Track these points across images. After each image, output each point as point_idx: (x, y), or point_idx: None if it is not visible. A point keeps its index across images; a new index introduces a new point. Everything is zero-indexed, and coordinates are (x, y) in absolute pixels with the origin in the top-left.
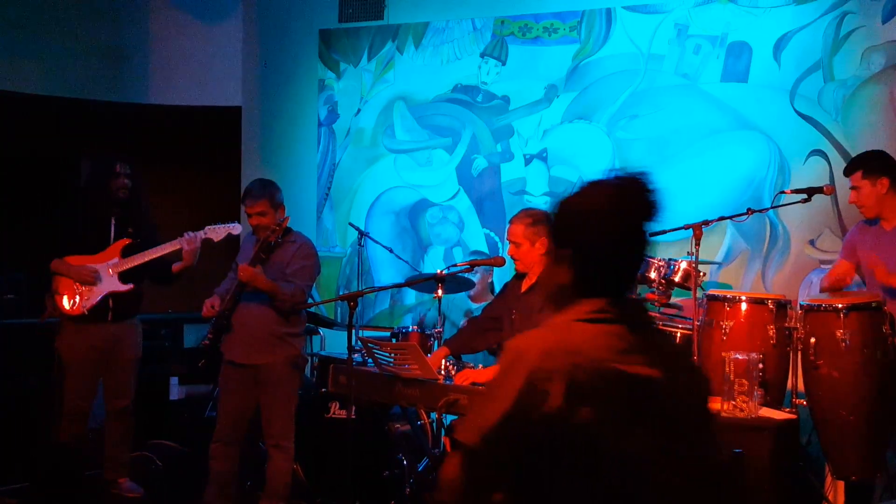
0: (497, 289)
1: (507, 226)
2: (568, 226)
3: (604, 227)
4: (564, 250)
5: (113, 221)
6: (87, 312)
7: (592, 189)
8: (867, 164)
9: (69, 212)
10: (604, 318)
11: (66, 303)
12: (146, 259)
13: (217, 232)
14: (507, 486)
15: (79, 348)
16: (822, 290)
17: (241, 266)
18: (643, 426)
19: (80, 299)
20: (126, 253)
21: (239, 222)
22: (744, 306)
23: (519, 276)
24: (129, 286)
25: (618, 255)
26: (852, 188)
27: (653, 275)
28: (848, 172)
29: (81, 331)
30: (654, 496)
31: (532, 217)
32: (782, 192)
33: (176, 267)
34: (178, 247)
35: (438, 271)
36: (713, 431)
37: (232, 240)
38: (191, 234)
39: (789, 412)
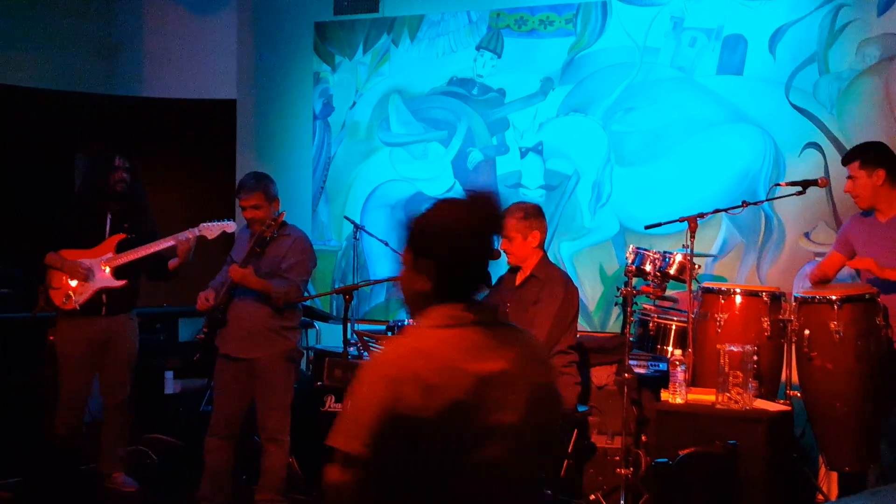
0: (492, 281)
1: None
2: (427, 239)
3: (460, 240)
4: (423, 261)
5: (109, 216)
6: (78, 308)
7: (448, 205)
8: (865, 155)
9: (65, 205)
10: (457, 322)
11: (58, 297)
12: (140, 255)
13: (211, 229)
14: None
15: (74, 342)
16: (810, 282)
17: (232, 267)
18: (494, 413)
19: (73, 294)
20: (121, 248)
21: (234, 217)
22: (738, 299)
23: (513, 270)
24: (123, 282)
25: (472, 264)
26: (849, 178)
27: (648, 268)
28: (846, 162)
29: (75, 325)
30: (502, 469)
31: (524, 210)
32: (777, 185)
33: (172, 264)
34: (171, 243)
35: None
36: (558, 407)
37: (227, 235)
38: (185, 233)
39: (783, 404)
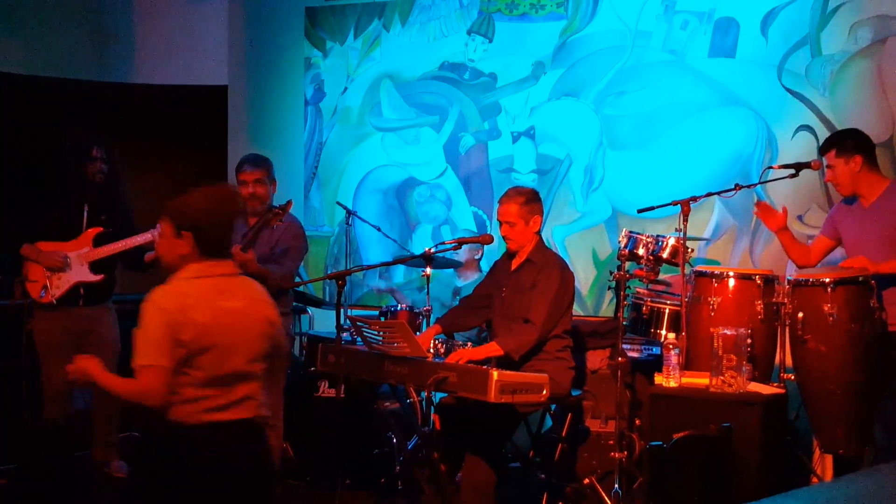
0: (485, 266)
1: (497, 206)
2: (187, 215)
3: (211, 216)
4: (184, 232)
5: (86, 208)
6: (55, 302)
7: (201, 192)
8: (840, 144)
9: (43, 196)
10: (209, 274)
11: (35, 290)
12: (117, 250)
13: None
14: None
15: (52, 331)
16: (796, 265)
17: (235, 250)
18: (235, 334)
19: (50, 287)
20: (98, 242)
21: None
22: (731, 282)
23: (510, 255)
24: (100, 276)
25: (219, 233)
26: (827, 167)
27: (641, 251)
28: (823, 151)
29: (54, 316)
30: (241, 373)
31: (525, 196)
32: (770, 168)
33: (148, 256)
34: (149, 239)
35: (427, 249)
36: (281, 337)
37: None
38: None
39: (777, 387)
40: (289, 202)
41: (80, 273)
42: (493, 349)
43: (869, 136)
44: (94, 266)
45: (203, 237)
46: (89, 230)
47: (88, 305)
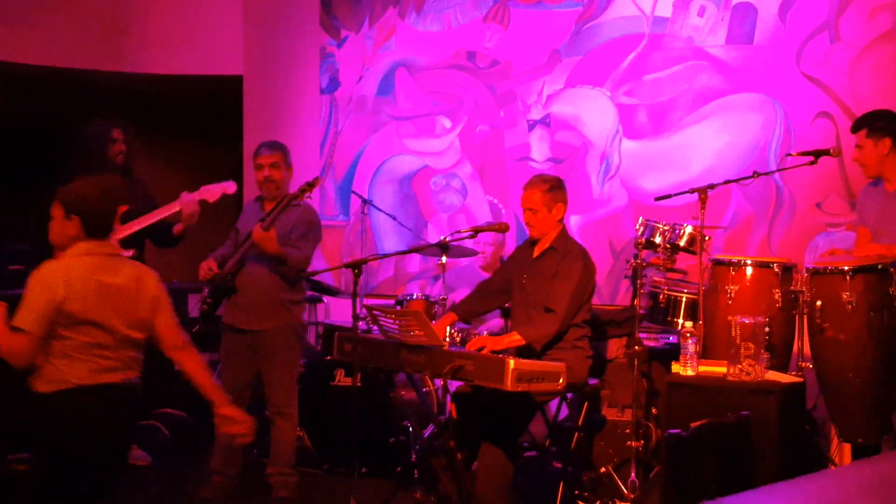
0: None
1: (522, 192)
2: (76, 200)
3: (98, 202)
4: (73, 215)
5: None
6: None
7: (90, 180)
8: (872, 124)
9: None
10: (93, 253)
11: None
12: (145, 224)
13: (212, 191)
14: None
15: None
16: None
17: (256, 226)
18: (113, 310)
19: None
20: (124, 220)
21: (242, 189)
22: (749, 270)
23: (531, 242)
24: (131, 251)
25: (105, 217)
26: (856, 146)
27: (658, 240)
28: (854, 130)
29: None
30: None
31: (549, 183)
32: (788, 155)
33: (177, 228)
34: (176, 209)
35: (442, 238)
36: (160, 304)
37: (231, 206)
38: (187, 196)
39: (795, 375)
40: (317, 178)
41: None
42: (514, 339)
43: None
44: (124, 244)
45: (89, 220)
46: None
47: None
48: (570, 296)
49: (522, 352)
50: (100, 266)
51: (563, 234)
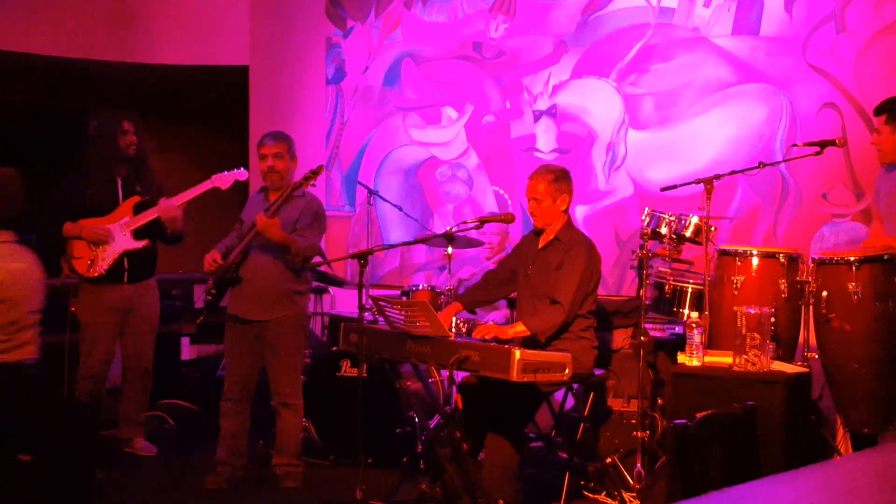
0: None
1: (527, 182)
2: None
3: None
4: None
5: (119, 182)
6: (104, 273)
7: None
8: (891, 110)
9: (74, 175)
10: (5, 241)
11: (82, 266)
12: (156, 215)
13: (224, 179)
14: None
15: (97, 310)
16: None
17: (259, 215)
18: (20, 292)
19: (97, 260)
20: (137, 210)
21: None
22: (755, 261)
23: (536, 232)
24: (144, 242)
25: (10, 208)
26: (875, 130)
27: (664, 230)
28: (876, 113)
29: (99, 292)
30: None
31: (554, 174)
32: (794, 145)
33: (169, 229)
34: (189, 197)
35: (448, 229)
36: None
37: (238, 197)
38: (164, 201)
39: (801, 366)
40: (321, 167)
41: (124, 242)
42: (519, 330)
43: None
44: (138, 234)
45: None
46: (128, 200)
47: (133, 283)
48: (575, 287)
49: (528, 342)
50: (3, 253)
51: (568, 225)
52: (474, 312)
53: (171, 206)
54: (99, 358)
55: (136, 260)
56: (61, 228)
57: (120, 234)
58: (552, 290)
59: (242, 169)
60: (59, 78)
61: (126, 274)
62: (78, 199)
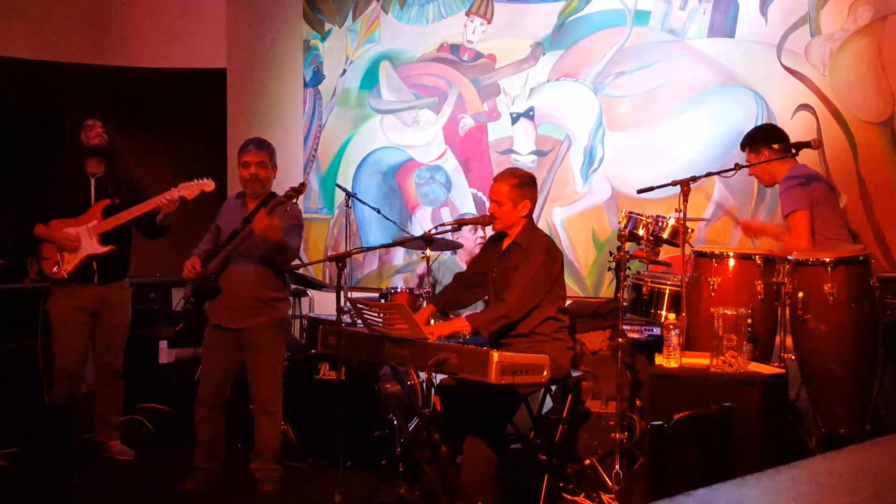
0: None
1: (491, 183)
2: None
3: None
4: None
5: (93, 182)
6: (66, 277)
7: None
8: (748, 141)
9: (49, 176)
10: None
11: (48, 267)
12: (124, 220)
13: (190, 188)
14: None
15: (67, 310)
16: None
17: (259, 215)
18: None
19: (62, 262)
20: (107, 214)
21: (225, 183)
22: (731, 262)
23: (500, 236)
24: (109, 248)
25: None
26: (745, 165)
27: (641, 232)
28: (741, 148)
29: (70, 292)
30: None
31: (518, 178)
32: (770, 147)
33: (158, 218)
34: (155, 205)
35: (426, 231)
36: None
37: (213, 199)
38: (166, 194)
39: (778, 366)
40: (303, 185)
41: (89, 246)
42: (461, 324)
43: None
44: (104, 238)
45: None
46: (97, 204)
47: (103, 283)
48: (524, 285)
49: (502, 344)
50: None
51: (527, 229)
52: (447, 315)
53: (173, 199)
54: (72, 357)
55: (106, 262)
56: (33, 229)
57: (86, 237)
58: (507, 293)
59: (209, 180)
60: (34, 82)
61: (96, 276)
62: (49, 199)
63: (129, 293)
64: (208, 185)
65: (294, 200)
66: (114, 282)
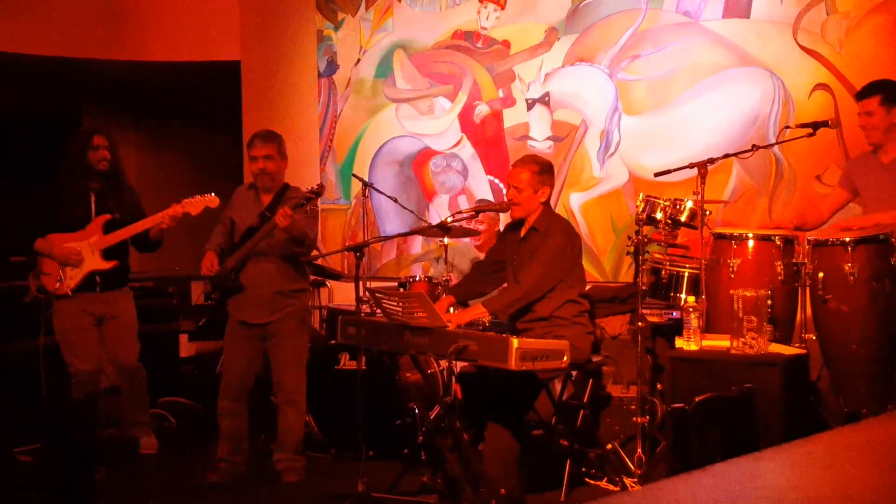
0: None
1: (510, 168)
2: None
3: None
4: None
5: (93, 197)
6: (70, 293)
7: None
8: (886, 91)
9: (50, 188)
10: None
11: (50, 283)
12: (126, 236)
13: (194, 205)
14: None
15: (74, 315)
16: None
17: (282, 210)
18: None
19: (65, 278)
20: (108, 229)
21: (241, 176)
22: (751, 243)
23: (518, 223)
24: (113, 263)
25: None
26: (865, 113)
27: (659, 215)
28: (863, 96)
29: (73, 303)
30: None
31: (539, 165)
32: (787, 128)
33: (152, 233)
34: (157, 221)
35: (444, 219)
36: None
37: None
38: (168, 210)
39: (798, 347)
40: (322, 186)
41: (92, 262)
42: (479, 311)
43: None
44: (106, 253)
45: None
46: (98, 218)
47: (105, 291)
48: (541, 269)
49: (521, 329)
50: None
51: (545, 214)
52: (467, 304)
53: (176, 216)
54: (83, 360)
55: (107, 273)
56: (33, 243)
57: (88, 253)
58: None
59: (214, 196)
60: (49, 78)
61: (98, 286)
62: (50, 212)
63: (132, 297)
64: (213, 200)
65: (314, 204)
66: (115, 290)
